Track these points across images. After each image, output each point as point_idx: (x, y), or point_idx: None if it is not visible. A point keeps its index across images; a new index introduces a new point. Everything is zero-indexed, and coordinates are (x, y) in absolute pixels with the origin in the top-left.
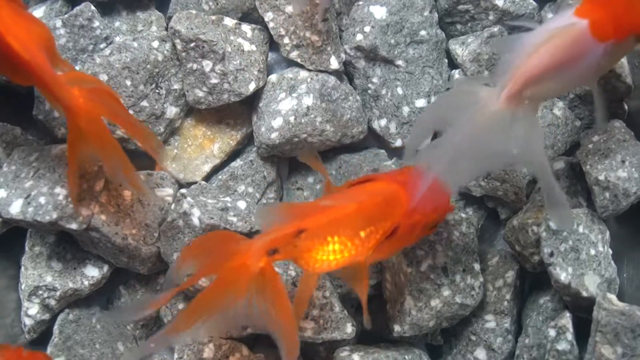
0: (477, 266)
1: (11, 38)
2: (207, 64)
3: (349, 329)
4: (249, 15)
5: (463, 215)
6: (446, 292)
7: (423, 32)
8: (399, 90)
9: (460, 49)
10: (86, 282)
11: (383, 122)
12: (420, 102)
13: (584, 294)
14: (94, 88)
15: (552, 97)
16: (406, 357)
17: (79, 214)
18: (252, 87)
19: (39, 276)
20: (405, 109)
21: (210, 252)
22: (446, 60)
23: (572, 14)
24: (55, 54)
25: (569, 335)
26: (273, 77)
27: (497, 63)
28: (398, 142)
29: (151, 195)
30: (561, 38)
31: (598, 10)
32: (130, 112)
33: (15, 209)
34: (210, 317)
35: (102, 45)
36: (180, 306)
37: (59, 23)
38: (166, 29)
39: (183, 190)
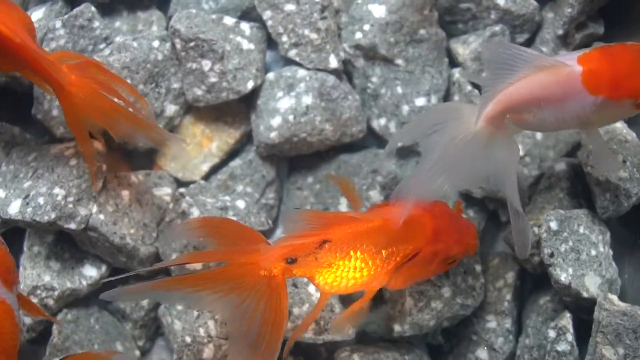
0: (478, 267)
1: None
2: (206, 64)
3: (350, 329)
4: (248, 14)
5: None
6: (447, 293)
7: (423, 31)
8: (399, 89)
9: (462, 48)
10: (84, 282)
11: (382, 121)
12: (420, 101)
13: (585, 294)
14: (80, 62)
15: (535, 131)
16: (406, 357)
17: (97, 189)
18: (250, 85)
19: (37, 276)
20: (405, 108)
21: (231, 240)
22: (446, 59)
23: (575, 58)
24: (35, 38)
25: (569, 336)
26: (271, 76)
27: (485, 73)
28: (399, 143)
29: (175, 140)
30: (549, 75)
31: (599, 62)
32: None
33: (13, 209)
34: (200, 292)
35: (101, 46)
36: (179, 306)
37: (58, 24)
38: (166, 29)
39: (182, 190)
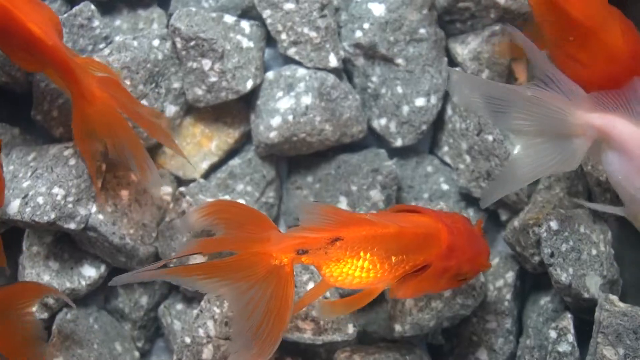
0: None
1: (31, 23)
2: (207, 63)
3: (350, 329)
4: (248, 13)
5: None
6: (447, 293)
7: (422, 30)
8: (399, 89)
9: (460, 48)
10: (83, 282)
11: (383, 121)
12: (420, 101)
13: (585, 295)
14: (105, 77)
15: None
16: (407, 357)
17: (99, 197)
18: (249, 84)
19: (36, 275)
20: (405, 108)
21: (241, 226)
22: (446, 59)
23: None
24: (62, 39)
25: (570, 337)
26: (270, 75)
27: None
28: (399, 142)
29: (156, 188)
30: None
31: None
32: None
33: (13, 209)
34: (212, 278)
35: (101, 45)
36: (179, 307)
37: None
38: (167, 27)
39: (182, 189)
